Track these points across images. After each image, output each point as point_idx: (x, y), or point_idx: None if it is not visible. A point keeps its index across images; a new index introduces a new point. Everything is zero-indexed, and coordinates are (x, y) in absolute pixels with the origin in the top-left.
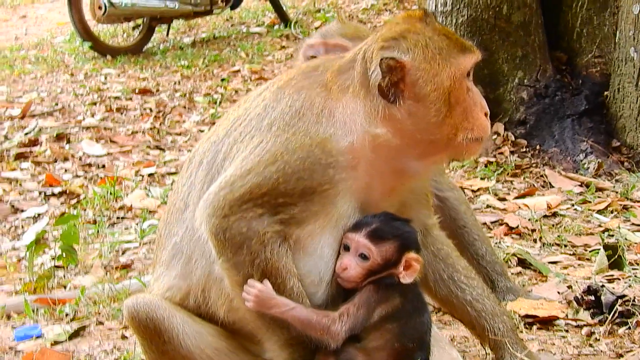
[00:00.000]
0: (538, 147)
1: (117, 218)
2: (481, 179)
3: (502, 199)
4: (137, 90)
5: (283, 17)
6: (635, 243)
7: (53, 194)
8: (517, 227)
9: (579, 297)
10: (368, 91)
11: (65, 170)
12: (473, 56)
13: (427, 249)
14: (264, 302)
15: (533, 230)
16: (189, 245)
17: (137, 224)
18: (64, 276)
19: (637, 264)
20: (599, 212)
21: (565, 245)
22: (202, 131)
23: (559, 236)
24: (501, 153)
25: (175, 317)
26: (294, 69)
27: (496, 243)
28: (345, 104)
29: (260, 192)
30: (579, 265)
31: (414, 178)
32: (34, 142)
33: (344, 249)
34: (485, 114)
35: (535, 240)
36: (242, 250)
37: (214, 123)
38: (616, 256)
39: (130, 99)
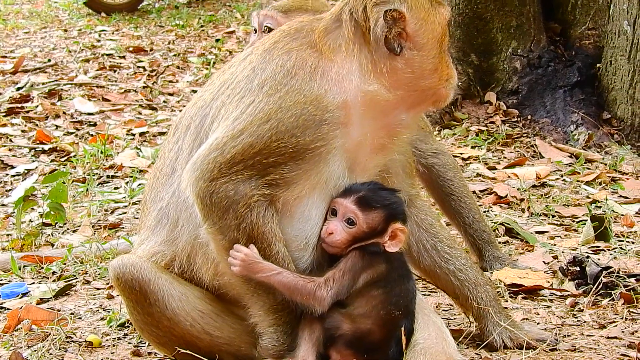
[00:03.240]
0: (529, 117)
1: (107, 177)
2: (472, 147)
3: (492, 168)
4: (131, 49)
5: None
6: (622, 215)
7: (43, 151)
8: (506, 196)
9: (565, 267)
10: (363, 47)
11: (57, 127)
12: (447, 8)
13: (410, 219)
14: (250, 267)
15: (522, 200)
16: (175, 210)
17: (126, 183)
18: (52, 234)
19: (623, 236)
20: (588, 183)
21: (553, 216)
22: (195, 92)
23: (547, 206)
24: (492, 122)
25: (160, 279)
26: (275, 33)
27: (485, 212)
28: (339, 63)
29: (253, 152)
30: (565, 235)
31: (401, 132)
32: (26, 98)
33: (331, 214)
34: None
35: (523, 210)
36: (229, 214)
37: None
38: (602, 227)
39: (124, 57)
